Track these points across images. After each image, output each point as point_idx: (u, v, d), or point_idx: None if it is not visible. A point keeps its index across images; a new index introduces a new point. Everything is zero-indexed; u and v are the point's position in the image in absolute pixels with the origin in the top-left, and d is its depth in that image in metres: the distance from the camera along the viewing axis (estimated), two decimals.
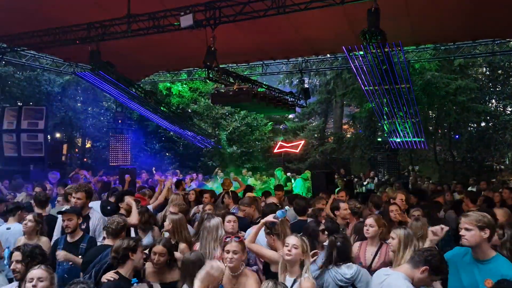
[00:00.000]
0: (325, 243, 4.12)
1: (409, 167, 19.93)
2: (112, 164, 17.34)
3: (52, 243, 4.88)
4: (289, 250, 3.42)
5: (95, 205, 5.71)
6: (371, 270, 4.07)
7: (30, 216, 4.80)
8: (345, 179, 13.43)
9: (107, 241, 4.14)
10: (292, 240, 3.48)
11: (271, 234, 4.21)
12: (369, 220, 4.40)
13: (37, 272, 3.16)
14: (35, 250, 3.58)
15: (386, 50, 8.73)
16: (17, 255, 3.55)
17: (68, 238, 4.58)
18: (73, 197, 5.23)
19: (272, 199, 6.66)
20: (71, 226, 4.53)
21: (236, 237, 3.62)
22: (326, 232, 4.38)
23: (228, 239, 3.60)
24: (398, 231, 3.86)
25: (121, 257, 3.45)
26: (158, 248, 3.88)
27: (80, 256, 4.38)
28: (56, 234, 5.16)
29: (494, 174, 20.22)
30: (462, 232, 3.27)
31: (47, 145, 12.95)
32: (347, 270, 3.68)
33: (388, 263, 4.01)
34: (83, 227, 4.98)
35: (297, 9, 8.19)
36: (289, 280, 3.42)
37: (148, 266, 3.98)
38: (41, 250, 3.67)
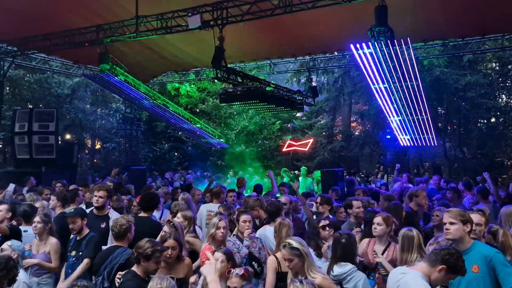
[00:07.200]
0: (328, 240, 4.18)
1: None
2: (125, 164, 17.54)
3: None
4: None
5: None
6: (376, 270, 4.10)
7: (38, 218, 4.91)
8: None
9: (115, 243, 4.21)
10: None
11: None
12: (377, 219, 4.33)
13: None
14: (10, 262, 3.30)
15: (394, 47, 8.69)
16: None
17: (77, 237, 4.86)
18: (95, 195, 5.43)
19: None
20: (76, 228, 4.80)
21: (238, 270, 3.32)
22: (327, 228, 4.44)
23: (230, 273, 3.34)
24: (400, 233, 3.88)
25: (144, 257, 3.42)
26: (170, 242, 3.92)
27: (80, 253, 4.66)
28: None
29: (505, 170, 20.01)
30: (447, 226, 3.44)
31: (58, 147, 13.06)
32: (337, 268, 3.68)
33: (394, 263, 4.01)
34: (103, 226, 5.13)
35: (304, 8, 8.20)
36: None
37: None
38: (15, 262, 3.43)
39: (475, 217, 3.75)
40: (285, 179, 14.09)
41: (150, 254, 3.44)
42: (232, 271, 3.31)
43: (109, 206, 5.70)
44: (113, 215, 5.43)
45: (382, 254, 4.23)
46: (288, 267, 3.45)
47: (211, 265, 2.94)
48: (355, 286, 3.63)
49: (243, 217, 4.66)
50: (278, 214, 5.03)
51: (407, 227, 3.99)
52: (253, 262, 4.22)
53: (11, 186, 7.83)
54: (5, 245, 4.14)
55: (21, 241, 4.93)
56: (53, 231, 5.10)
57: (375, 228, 4.32)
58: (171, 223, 4.53)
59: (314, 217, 5.85)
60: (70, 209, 6.03)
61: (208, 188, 8.35)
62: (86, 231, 4.84)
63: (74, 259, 4.68)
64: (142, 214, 5.36)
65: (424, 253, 3.72)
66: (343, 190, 8.92)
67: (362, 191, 7.59)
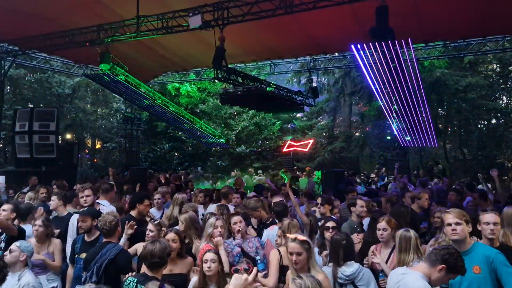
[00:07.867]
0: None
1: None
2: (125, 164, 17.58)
3: (71, 242, 4.97)
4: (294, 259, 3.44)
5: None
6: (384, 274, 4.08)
7: (39, 221, 4.83)
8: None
9: (105, 239, 4.21)
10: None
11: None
12: (382, 224, 4.29)
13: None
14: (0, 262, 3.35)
15: (395, 48, 8.69)
16: None
17: (85, 237, 4.71)
18: (81, 196, 5.38)
19: (278, 197, 6.65)
20: (84, 227, 4.68)
21: (245, 266, 3.21)
22: (331, 230, 4.45)
23: (236, 271, 3.20)
24: (397, 234, 3.88)
25: (164, 261, 3.46)
26: (171, 235, 4.05)
27: None
28: (71, 233, 5.23)
29: (505, 171, 19.99)
30: (453, 227, 3.40)
31: (59, 146, 13.05)
32: (346, 268, 3.70)
33: None
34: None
35: (305, 9, 8.19)
36: None
37: None
38: (4, 263, 3.46)
39: (492, 216, 3.67)
40: (285, 180, 14.09)
41: (169, 252, 3.52)
42: (239, 269, 3.28)
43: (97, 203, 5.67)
44: (105, 210, 5.41)
45: (389, 257, 4.20)
46: (295, 262, 3.37)
47: (242, 279, 2.73)
48: (368, 282, 3.68)
49: (234, 219, 4.73)
50: (285, 214, 5.09)
51: (405, 228, 3.99)
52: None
53: (2, 178, 7.75)
54: (14, 246, 4.12)
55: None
56: (53, 233, 5.04)
57: (381, 234, 4.29)
58: (156, 222, 4.56)
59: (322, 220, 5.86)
60: (69, 209, 6.03)
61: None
62: (96, 233, 4.69)
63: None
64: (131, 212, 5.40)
65: (420, 253, 3.73)
66: (343, 191, 8.93)
67: (356, 192, 7.68)
